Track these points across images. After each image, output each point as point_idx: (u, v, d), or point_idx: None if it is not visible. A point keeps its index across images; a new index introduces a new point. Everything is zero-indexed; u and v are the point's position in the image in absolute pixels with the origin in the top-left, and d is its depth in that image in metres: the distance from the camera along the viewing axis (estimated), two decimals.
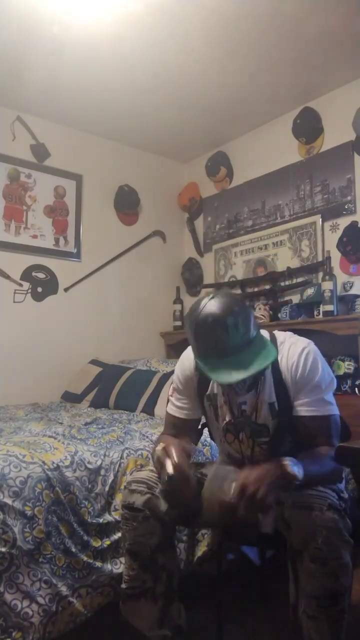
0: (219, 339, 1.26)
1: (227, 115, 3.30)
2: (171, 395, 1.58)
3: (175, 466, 1.26)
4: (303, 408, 1.37)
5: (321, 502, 1.19)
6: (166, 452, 1.30)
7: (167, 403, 1.60)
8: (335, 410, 1.39)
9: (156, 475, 1.40)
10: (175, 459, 1.27)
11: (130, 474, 1.69)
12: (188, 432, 1.55)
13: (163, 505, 1.35)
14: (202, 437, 1.91)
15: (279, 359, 1.39)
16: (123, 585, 1.39)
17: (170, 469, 1.25)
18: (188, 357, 1.54)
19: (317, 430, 1.37)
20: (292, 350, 1.40)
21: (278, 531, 1.30)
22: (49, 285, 3.31)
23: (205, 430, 1.66)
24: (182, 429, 1.54)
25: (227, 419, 1.47)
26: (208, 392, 1.51)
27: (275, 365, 1.39)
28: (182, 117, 3.31)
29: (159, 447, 1.34)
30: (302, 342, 1.42)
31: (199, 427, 1.62)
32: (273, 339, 1.45)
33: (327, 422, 1.38)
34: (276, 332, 1.48)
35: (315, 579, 1.16)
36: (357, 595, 1.74)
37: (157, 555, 1.37)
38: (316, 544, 1.15)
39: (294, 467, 1.18)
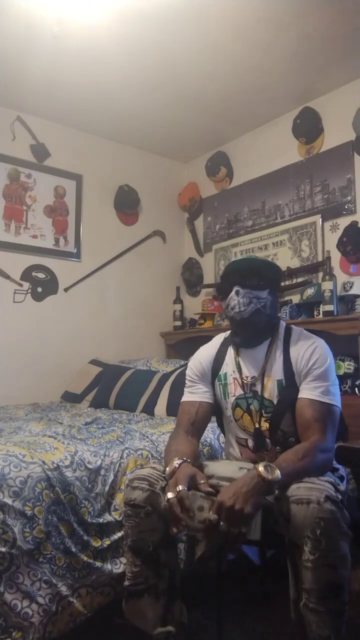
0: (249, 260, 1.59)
1: (227, 115, 3.31)
2: (186, 388, 1.67)
3: (178, 492, 1.27)
4: (306, 391, 1.47)
5: (318, 494, 1.20)
6: (175, 480, 1.32)
7: (182, 397, 1.67)
8: (336, 402, 1.46)
9: (158, 472, 1.42)
10: (180, 487, 1.28)
11: (131, 474, 1.69)
12: (200, 417, 1.60)
13: (164, 502, 1.35)
14: (202, 438, 1.92)
15: (290, 346, 1.54)
16: (126, 583, 1.40)
17: (169, 494, 1.28)
18: (203, 354, 1.69)
19: (314, 416, 1.42)
20: (304, 341, 1.54)
21: (277, 531, 1.30)
22: (49, 285, 3.31)
23: (206, 432, 1.68)
24: (194, 415, 1.59)
25: (237, 393, 1.57)
26: (219, 373, 1.63)
27: (285, 350, 1.54)
28: (182, 117, 3.31)
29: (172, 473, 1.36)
30: (315, 337, 1.56)
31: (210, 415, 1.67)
32: (288, 329, 1.61)
33: (325, 411, 1.43)
34: (292, 326, 1.63)
35: (315, 572, 1.16)
36: (356, 595, 1.74)
37: (159, 551, 1.38)
38: (315, 536, 1.16)
39: (268, 471, 1.25)
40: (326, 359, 1.49)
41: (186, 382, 1.68)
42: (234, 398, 1.58)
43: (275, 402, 1.52)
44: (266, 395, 1.53)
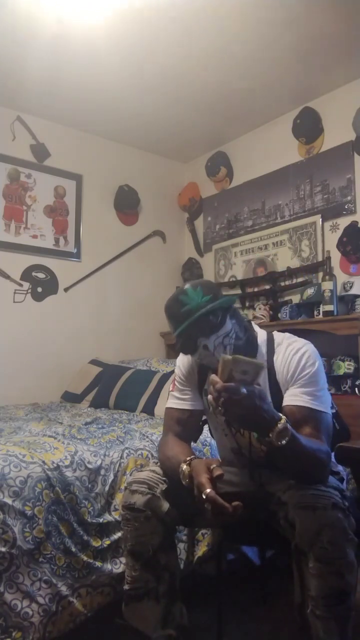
0: (181, 302, 1.36)
1: (227, 115, 3.31)
2: (172, 391, 1.56)
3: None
4: (292, 397, 1.34)
5: (325, 501, 1.19)
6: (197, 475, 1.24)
7: (167, 400, 1.57)
8: (326, 409, 1.35)
9: (157, 475, 1.40)
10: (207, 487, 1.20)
11: (131, 474, 1.69)
12: (191, 425, 1.52)
13: (164, 506, 1.35)
14: (202, 437, 1.91)
15: (274, 358, 1.40)
16: (125, 587, 1.39)
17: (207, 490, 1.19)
18: (189, 358, 1.54)
19: (305, 421, 1.31)
20: (289, 349, 1.40)
21: (277, 531, 1.30)
22: (49, 285, 3.31)
23: (206, 428, 1.65)
24: (185, 424, 1.51)
25: None
26: (206, 386, 1.49)
27: (270, 365, 1.39)
28: (182, 117, 3.31)
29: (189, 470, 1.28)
30: (300, 342, 1.42)
31: (200, 423, 1.59)
32: (270, 339, 1.45)
33: (317, 417, 1.32)
34: (275, 333, 1.48)
35: (322, 579, 1.16)
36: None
37: (159, 555, 1.37)
38: (322, 544, 1.15)
39: (282, 434, 1.15)
40: (314, 362, 1.37)
41: (175, 382, 1.55)
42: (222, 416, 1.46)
43: None
44: None
